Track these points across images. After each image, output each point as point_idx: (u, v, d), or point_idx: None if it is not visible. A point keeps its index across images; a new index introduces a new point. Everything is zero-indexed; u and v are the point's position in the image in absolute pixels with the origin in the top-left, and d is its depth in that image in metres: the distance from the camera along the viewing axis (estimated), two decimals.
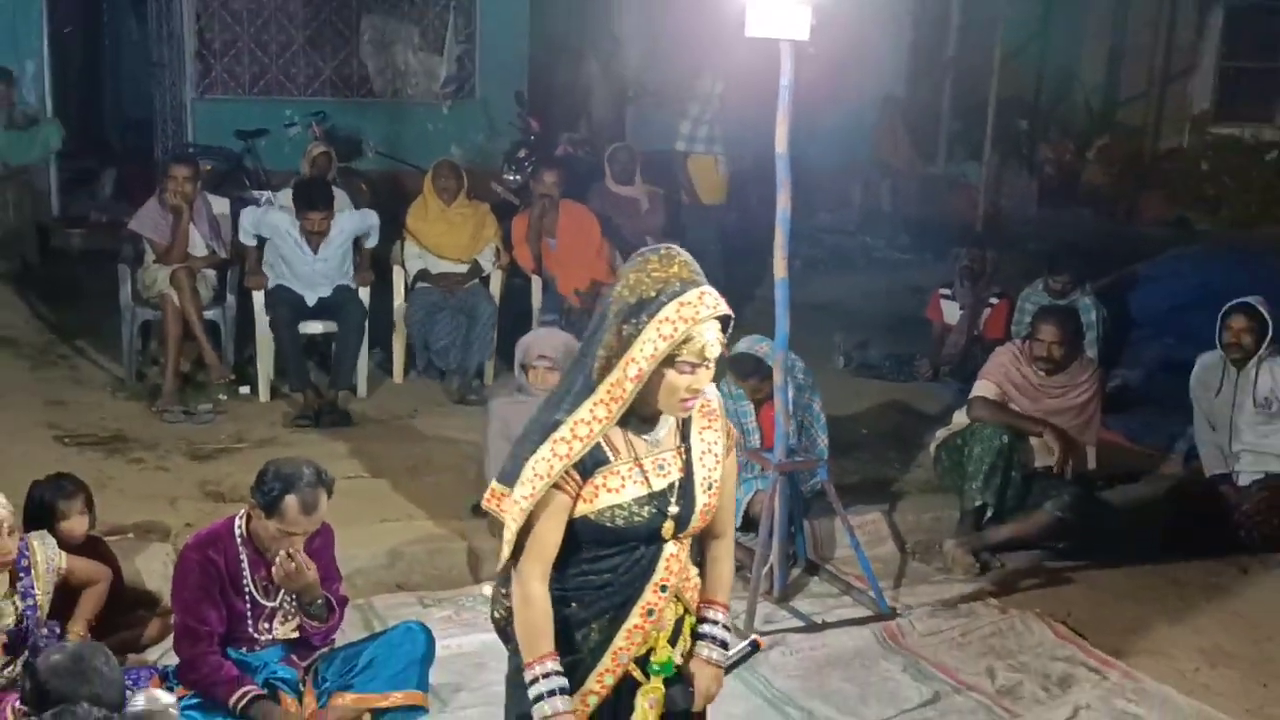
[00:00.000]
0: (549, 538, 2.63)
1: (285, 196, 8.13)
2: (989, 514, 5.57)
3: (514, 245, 7.74)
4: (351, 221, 7.27)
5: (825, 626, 4.86)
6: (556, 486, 2.59)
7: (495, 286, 7.60)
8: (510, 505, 2.64)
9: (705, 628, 2.88)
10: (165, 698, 3.30)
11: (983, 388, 5.79)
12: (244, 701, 3.73)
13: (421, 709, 4.10)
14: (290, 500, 3.75)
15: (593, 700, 2.72)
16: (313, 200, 7.05)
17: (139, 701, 3.23)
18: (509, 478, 2.67)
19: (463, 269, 7.56)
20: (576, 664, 2.70)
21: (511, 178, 9.91)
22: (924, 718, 4.28)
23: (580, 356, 2.68)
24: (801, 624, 4.92)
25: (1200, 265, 8.53)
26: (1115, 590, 5.31)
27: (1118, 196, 13.37)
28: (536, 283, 7.70)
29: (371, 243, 7.40)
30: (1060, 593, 5.27)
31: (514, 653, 2.75)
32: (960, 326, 7.99)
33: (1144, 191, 13.37)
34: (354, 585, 4.70)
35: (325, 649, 4.11)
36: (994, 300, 8.00)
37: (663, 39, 12.05)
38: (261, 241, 7.16)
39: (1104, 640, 4.83)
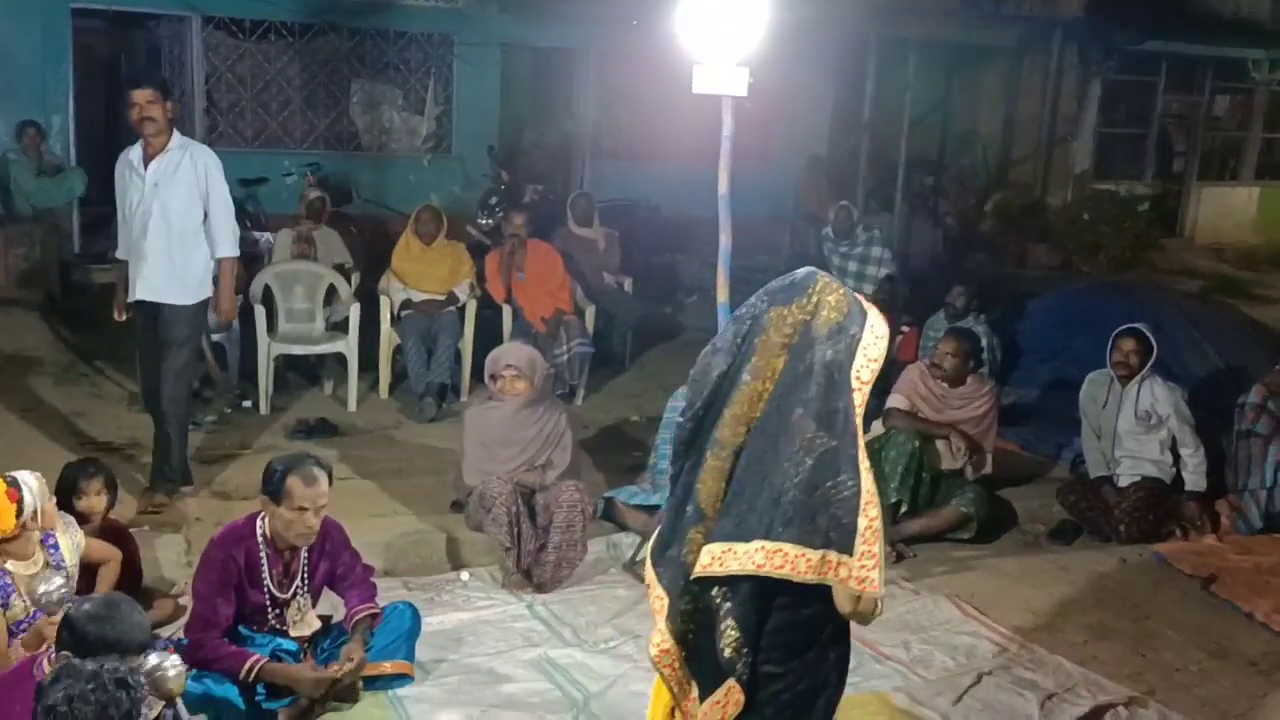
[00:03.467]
0: None
1: (284, 237, 8.15)
2: (903, 509, 5.62)
3: (487, 278, 7.76)
4: (193, 154, 5.32)
5: None
6: None
7: (470, 315, 7.61)
8: (868, 559, 2.32)
9: None
10: (173, 660, 3.28)
11: (895, 400, 5.87)
12: (256, 670, 3.69)
13: (408, 677, 4.09)
14: (293, 479, 3.74)
15: None
16: (137, 79, 5.49)
17: (150, 660, 3.21)
18: (776, 529, 2.33)
19: (442, 298, 7.56)
20: None
21: (484, 222, 9.95)
22: (849, 682, 4.27)
23: (828, 389, 2.38)
24: None
25: (1083, 299, 8.69)
26: (1012, 576, 5.34)
27: (1011, 244, 13.60)
28: (507, 311, 7.71)
29: (220, 214, 5.35)
30: (965, 578, 5.30)
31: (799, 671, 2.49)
32: None
33: (1033, 240, 13.62)
34: None
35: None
36: (905, 329, 8.12)
37: (615, 104, 12.18)
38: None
39: (1003, 618, 4.87)
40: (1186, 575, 5.41)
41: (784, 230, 13.12)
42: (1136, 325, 5.99)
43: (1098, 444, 6.10)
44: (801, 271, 2.52)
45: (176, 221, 5.31)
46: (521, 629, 4.62)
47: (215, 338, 7.00)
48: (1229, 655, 4.66)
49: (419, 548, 5.22)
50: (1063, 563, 5.54)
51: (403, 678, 4.07)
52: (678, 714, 2.48)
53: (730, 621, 2.39)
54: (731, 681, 2.40)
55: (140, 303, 5.40)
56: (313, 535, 3.82)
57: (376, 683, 4.01)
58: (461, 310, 7.58)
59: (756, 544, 2.33)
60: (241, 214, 9.48)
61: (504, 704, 4.02)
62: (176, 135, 5.35)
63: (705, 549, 2.39)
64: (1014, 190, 14.00)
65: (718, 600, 2.41)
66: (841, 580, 2.31)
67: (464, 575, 5.07)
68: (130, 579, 4.30)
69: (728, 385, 2.43)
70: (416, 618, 4.17)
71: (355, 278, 7.99)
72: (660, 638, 2.42)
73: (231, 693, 3.66)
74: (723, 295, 4.84)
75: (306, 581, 3.95)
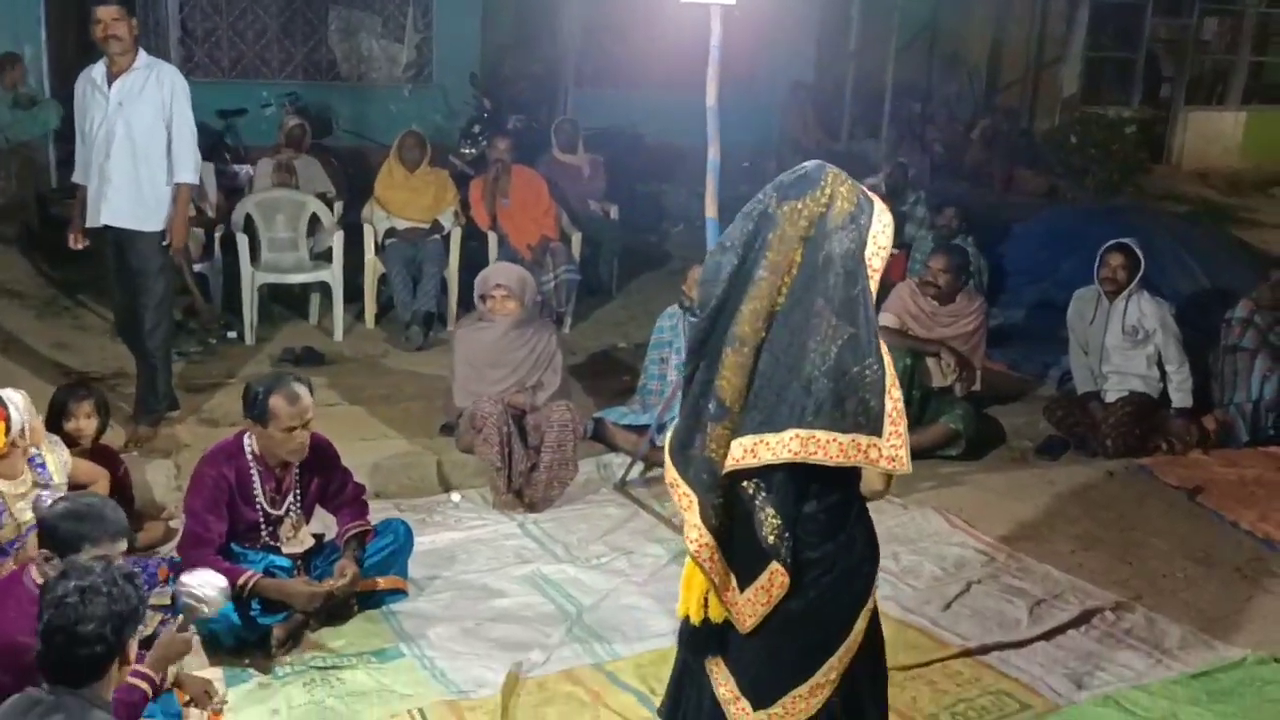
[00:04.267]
0: None
1: (264, 166, 8.08)
2: None
3: (472, 205, 7.70)
4: (159, 73, 5.15)
5: None
6: None
7: (455, 242, 7.56)
8: (896, 438, 2.39)
9: None
10: (219, 581, 3.31)
11: (885, 319, 5.87)
12: (250, 584, 3.71)
13: (402, 593, 4.13)
14: (275, 400, 3.75)
15: None
16: None
17: (191, 581, 3.24)
18: (824, 417, 2.38)
19: (426, 226, 7.51)
20: None
21: (468, 151, 9.85)
22: None
23: (845, 278, 2.43)
24: None
25: (1071, 221, 8.70)
26: (999, 490, 5.40)
27: (998, 171, 13.55)
28: (492, 238, 7.66)
29: (184, 136, 5.20)
30: (953, 492, 5.35)
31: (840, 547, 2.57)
32: None
33: (1020, 167, 13.57)
34: None
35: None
36: (893, 251, 8.09)
37: (599, 30, 12.04)
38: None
39: (991, 530, 4.93)
40: (1172, 487, 5.47)
41: (769, 158, 13.05)
42: (1124, 240, 6.00)
43: (1085, 360, 6.14)
44: (810, 164, 2.53)
45: (142, 142, 5.13)
46: (514, 547, 4.66)
47: (197, 268, 6.95)
48: (1214, 562, 4.74)
49: (409, 470, 5.24)
50: (1050, 477, 5.59)
51: (396, 593, 4.12)
52: (712, 606, 2.54)
53: (769, 510, 2.46)
54: (775, 565, 2.48)
55: (106, 228, 5.23)
56: (305, 450, 3.83)
57: (370, 598, 4.06)
58: (446, 238, 7.53)
59: (790, 432, 2.38)
60: (220, 146, 9.50)
61: (498, 617, 4.07)
62: (143, 54, 5.18)
63: (736, 443, 2.44)
64: (1001, 116, 13.92)
65: (750, 491, 2.48)
66: (872, 461, 2.40)
67: (455, 496, 5.10)
68: (121, 502, 4.26)
69: (742, 282, 2.46)
70: (409, 534, 4.20)
71: (337, 207, 7.92)
72: (697, 533, 2.47)
73: (227, 608, 3.68)
74: (711, 209, 4.82)
75: (299, 498, 3.96)
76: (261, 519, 3.89)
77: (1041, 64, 14.21)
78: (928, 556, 4.65)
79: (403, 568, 4.15)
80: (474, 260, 7.65)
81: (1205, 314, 6.93)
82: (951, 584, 4.42)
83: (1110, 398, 6.00)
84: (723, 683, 2.65)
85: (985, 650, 3.91)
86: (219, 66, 10.44)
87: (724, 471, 2.46)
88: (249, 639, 3.73)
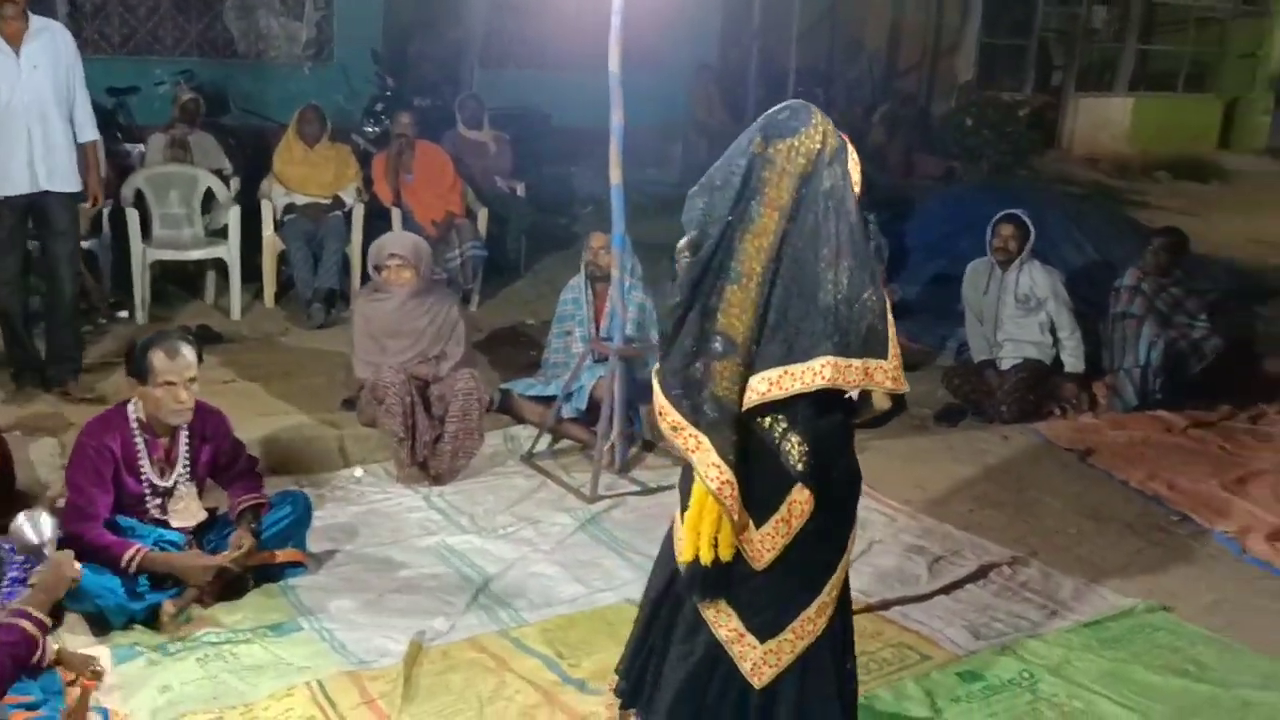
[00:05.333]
0: None
1: (156, 141, 7.81)
2: None
3: (374, 180, 7.54)
4: (57, 34, 5.21)
5: (658, 490, 4.88)
6: None
7: (357, 219, 7.39)
8: (895, 359, 2.49)
9: None
10: (47, 522, 3.18)
11: None
12: (137, 559, 3.56)
13: (301, 566, 4.00)
14: (154, 353, 3.61)
15: None
16: None
17: (20, 521, 3.12)
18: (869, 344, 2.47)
19: (327, 201, 7.33)
20: None
21: (370, 129, 9.63)
22: None
23: (841, 210, 2.48)
24: (638, 489, 4.93)
25: (968, 199, 8.82)
26: (902, 456, 5.44)
27: (897, 155, 13.72)
28: (396, 214, 7.49)
29: (84, 96, 5.33)
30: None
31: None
32: None
33: (918, 150, 13.76)
34: None
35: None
36: None
37: (504, 9, 11.89)
38: None
39: (892, 493, 4.97)
40: (1065, 449, 5.58)
41: (675, 141, 13.03)
42: (1014, 211, 6.11)
43: (980, 329, 6.23)
44: (794, 103, 2.58)
45: (61, 104, 5.21)
46: (418, 519, 4.56)
47: (86, 245, 6.66)
48: (1105, 519, 4.84)
49: (309, 445, 5.08)
50: (949, 443, 5.67)
51: (295, 567, 3.98)
52: (722, 544, 2.53)
53: (794, 439, 2.49)
54: (794, 495, 2.52)
55: (15, 196, 5.19)
56: (186, 413, 3.68)
57: (268, 572, 3.92)
58: (348, 214, 7.36)
59: (820, 360, 2.44)
60: (112, 125, 9.14)
61: (401, 588, 3.97)
62: (34, 16, 5.17)
63: (758, 377, 2.47)
64: (900, 100, 14.10)
65: (768, 424, 2.51)
66: (879, 383, 2.49)
67: (357, 471, 4.97)
68: (1, 482, 4.11)
69: (737, 220, 2.49)
70: (307, 506, 4.07)
71: (234, 183, 7.68)
72: (717, 471, 2.47)
73: (113, 584, 3.53)
74: (616, 176, 4.77)
75: (189, 469, 3.81)
76: (149, 490, 3.73)
77: (939, 50, 14.42)
78: None
79: (301, 540, 4.02)
80: (377, 235, 7.48)
81: (1094, 286, 7.08)
82: (854, 544, 4.42)
83: (1005, 365, 6.10)
84: (724, 624, 2.65)
85: (886, 605, 3.93)
86: (109, 42, 10.03)
87: (746, 407, 2.49)
88: (138, 616, 3.58)
